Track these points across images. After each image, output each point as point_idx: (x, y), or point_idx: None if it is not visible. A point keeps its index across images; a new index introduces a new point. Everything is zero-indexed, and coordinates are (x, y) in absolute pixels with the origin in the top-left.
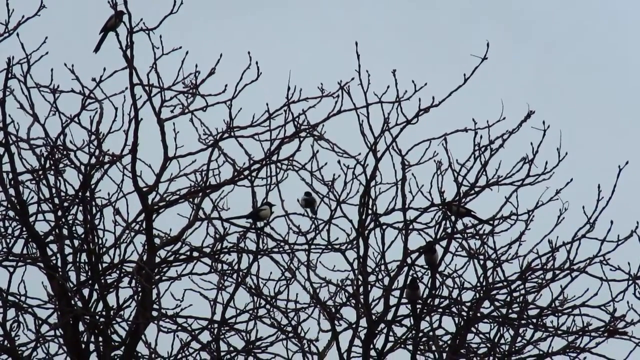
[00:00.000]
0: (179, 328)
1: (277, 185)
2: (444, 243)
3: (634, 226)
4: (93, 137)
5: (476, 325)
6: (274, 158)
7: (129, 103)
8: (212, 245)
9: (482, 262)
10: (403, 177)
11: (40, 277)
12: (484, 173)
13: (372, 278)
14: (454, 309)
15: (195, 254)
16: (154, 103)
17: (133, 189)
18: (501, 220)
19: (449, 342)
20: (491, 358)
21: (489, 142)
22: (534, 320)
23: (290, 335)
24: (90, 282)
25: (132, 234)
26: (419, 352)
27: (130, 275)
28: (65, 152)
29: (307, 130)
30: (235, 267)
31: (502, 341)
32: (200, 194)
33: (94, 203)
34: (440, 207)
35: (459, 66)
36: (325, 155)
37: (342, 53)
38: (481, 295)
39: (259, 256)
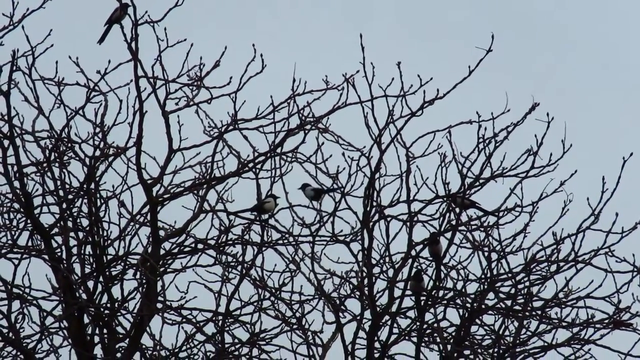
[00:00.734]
0: (184, 320)
1: (282, 177)
2: (448, 235)
3: (638, 218)
4: (98, 129)
5: (481, 317)
6: (279, 150)
7: (134, 95)
8: (216, 237)
9: (486, 254)
10: (408, 169)
11: (45, 269)
12: (489, 165)
13: (376, 270)
14: (458, 301)
15: (200, 246)
16: (158, 95)
17: (138, 181)
18: (506, 212)
19: (453, 334)
20: (495, 350)
21: (494, 134)
22: (539, 312)
23: (295, 327)
24: (94, 274)
25: (137, 226)
26: (423, 344)
27: (134, 268)
28: (70, 145)
29: (312, 123)
30: (240, 259)
31: (507, 333)
32: (205, 186)
33: (98, 195)
34: (445, 199)
35: (463, 58)
36: (330, 147)
37: (346, 45)
38: (486, 287)
39: (264, 248)
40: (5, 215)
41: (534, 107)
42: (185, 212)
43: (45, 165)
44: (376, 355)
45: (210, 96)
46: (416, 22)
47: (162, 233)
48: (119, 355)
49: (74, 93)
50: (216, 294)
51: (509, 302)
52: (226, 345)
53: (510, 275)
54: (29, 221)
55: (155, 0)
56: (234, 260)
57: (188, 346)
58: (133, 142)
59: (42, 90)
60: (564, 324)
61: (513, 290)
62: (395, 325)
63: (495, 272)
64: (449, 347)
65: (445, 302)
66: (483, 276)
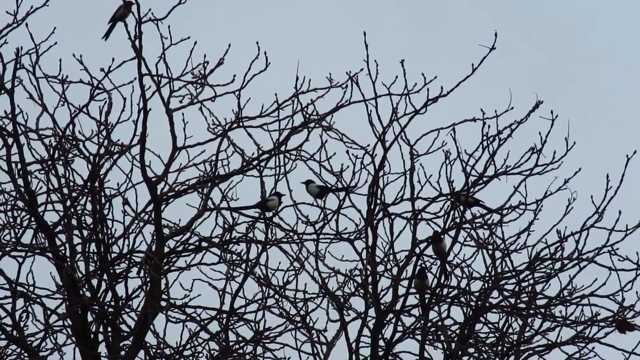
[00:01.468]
0: (188, 318)
1: (286, 175)
2: (452, 233)
3: None
4: (102, 127)
5: (485, 315)
6: (283, 148)
7: (138, 93)
8: (221, 235)
9: (490, 251)
10: (411, 167)
11: (49, 267)
12: (493, 163)
13: (380, 268)
14: (462, 299)
15: (204, 244)
16: (162, 93)
17: (142, 179)
18: (510, 210)
19: (457, 331)
20: (500, 348)
21: (497, 131)
22: (543, 310)
23: (299, 325)
24: (99, 272)
25: (141, 224)
26: (427, 342)
27: (139, 266)
28: (74, 142)
29: (316, 121)
30: (244, 257)
31: (511, 331)
32: (209, 184)
33: (102, 193)
34: (449, 196)
35: (467, 56)
36: (334, 145)
37: (350, 43)
38: (490, 285)
39: (268, 246)
40: (9, 213)
41: (537, 104)
42: (190, 210)
43: (49, 163)
44: (380, 353)
45: (215, 94)
46: (421, 18)
47: (166, 231)
48: (122, 353)
49: (77, 91)
50: (220, 292)
51: (513, 300)
52: (230, 343)
53: (514, 273)
54: (33, 219)
55: None
56: (238, 258)
57: (192, 344)
58: (137, 140)
59: (46, 88)
60: (568, 322)
61: (517, 288)
62: (399, 323)
63: (499, 270)
64: (453, 345)
65: (449, 300)
66: (487, 274)
